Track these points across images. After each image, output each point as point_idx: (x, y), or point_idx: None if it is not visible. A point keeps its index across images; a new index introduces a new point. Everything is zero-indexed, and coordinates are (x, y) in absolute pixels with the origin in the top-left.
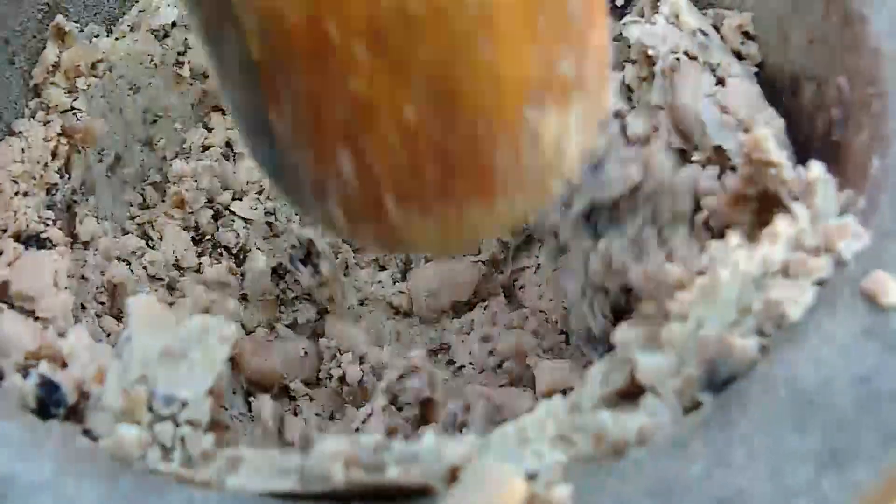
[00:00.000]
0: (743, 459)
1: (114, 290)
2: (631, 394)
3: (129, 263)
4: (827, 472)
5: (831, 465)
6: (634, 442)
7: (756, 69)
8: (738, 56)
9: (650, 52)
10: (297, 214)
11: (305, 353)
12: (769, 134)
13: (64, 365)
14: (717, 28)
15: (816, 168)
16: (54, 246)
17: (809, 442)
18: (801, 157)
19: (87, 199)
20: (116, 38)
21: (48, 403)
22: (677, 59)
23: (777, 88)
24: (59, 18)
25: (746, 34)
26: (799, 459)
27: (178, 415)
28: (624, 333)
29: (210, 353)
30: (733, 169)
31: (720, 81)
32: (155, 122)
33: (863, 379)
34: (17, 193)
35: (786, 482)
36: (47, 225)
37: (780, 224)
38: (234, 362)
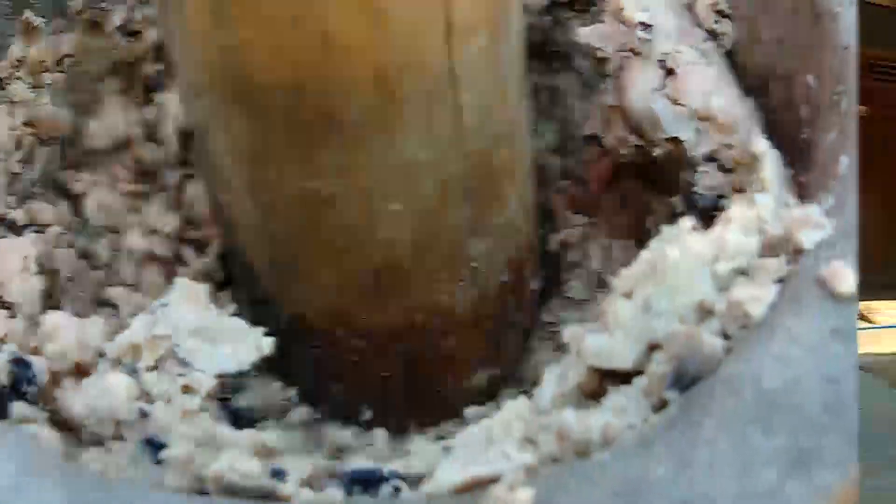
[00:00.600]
0: (708, 461)
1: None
2: (597, 392)
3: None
4: (793, 475)
5: (797, 468)
6: (599, 442)
7: (727, 50)
8: (714, 35)
9: (599, 53)
10: None
11: None
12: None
13: (35, 351)
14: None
15: (762, 143)
16: (20, 231)
17: (775, 444)
18: None
19: (49, 191)
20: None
21: (20, 381)
22: (625, 57)
23: (746, 87)
24: (27, 13)
25: (721, 13)
26: (764, 462)
27: (178, 378)
28: (572, 328)
29: (239, 353)
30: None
31: (671, 72)
32: None
33: (830, 380)
34: None
35: (751, 485)
36: (12, 208)
37: (735, 208)
38: None
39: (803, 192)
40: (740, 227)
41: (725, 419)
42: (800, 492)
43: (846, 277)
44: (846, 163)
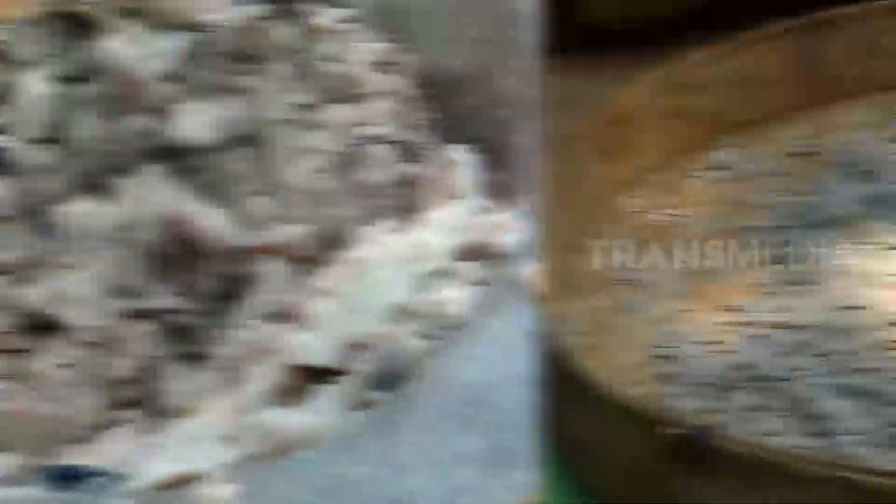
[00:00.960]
0: (411, 460)
1: None
2: (299, 391)
3: None
4: (492, 472)
5: (496, 466)
6: (301, 440)
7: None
8: None
9: None
10: None
11: None
12: None
13: None
14: None
15: (455, 151)
16: None
17: (475, 443)
18: None
19: None
20: None
21: None
22: None
23: (442, 90)
24: None
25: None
26: (465, 460)
27: None
28: (271, 327)
29: None
30: None
31: None
32: None
33: (525, 380)
34: None
35: (452, 482)
36: None
37: (432, 211)
38: None
39: (502, 195)
40: (437, 229)
41: (427, 419)
42: (499, 489)
43: (536, 279)
44: (542, 164)
